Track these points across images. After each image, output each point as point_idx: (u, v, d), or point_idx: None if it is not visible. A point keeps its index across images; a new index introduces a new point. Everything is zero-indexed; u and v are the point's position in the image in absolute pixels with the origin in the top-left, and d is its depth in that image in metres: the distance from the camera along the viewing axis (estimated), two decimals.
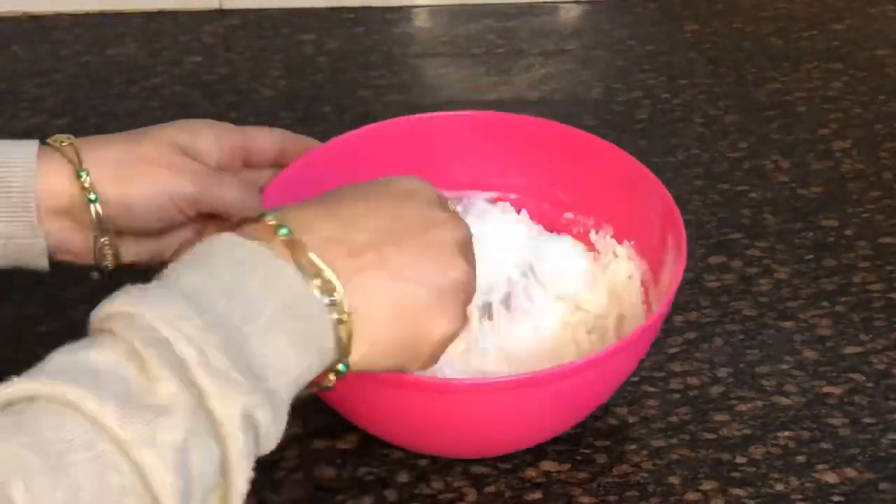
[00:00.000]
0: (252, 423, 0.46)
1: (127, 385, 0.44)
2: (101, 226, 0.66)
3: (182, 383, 0.44)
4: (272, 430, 0.48)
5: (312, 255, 0.52)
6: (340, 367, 0.54)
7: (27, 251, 0.66)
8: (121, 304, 0.46)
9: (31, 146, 0.66)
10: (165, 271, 0.50)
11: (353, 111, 1.04)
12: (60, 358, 0.45)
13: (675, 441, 0.71)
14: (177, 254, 0.65)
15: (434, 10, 1.20)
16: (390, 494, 0.68)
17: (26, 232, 0.65)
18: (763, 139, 0.99)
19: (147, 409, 0.43)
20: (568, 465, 0.69)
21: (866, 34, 1.15)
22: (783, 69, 1.09)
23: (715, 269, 0.85)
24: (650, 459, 0.70)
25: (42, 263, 0.67)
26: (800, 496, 0.68)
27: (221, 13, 1.19)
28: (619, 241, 0.76)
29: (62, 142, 0.66)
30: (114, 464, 0.42)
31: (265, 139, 0.74)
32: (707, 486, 0.68)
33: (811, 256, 0.86)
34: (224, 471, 0.46)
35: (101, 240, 0.67)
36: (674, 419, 0.73)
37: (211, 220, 0.70)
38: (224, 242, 0.51)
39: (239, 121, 1.02)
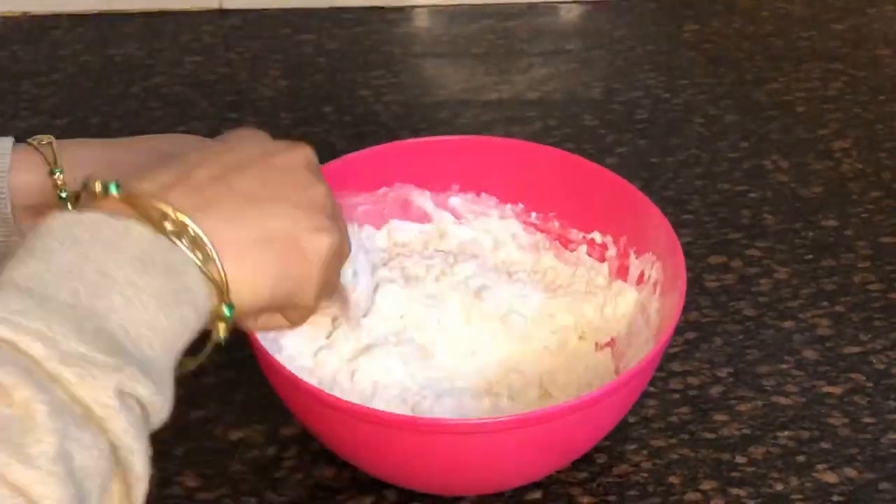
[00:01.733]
0: (130, 400, 0.44)
1: None
2: None
3: (37, 385, 0.41)
4: (158, 401, 0.45)
5: (153, 202, 0.49)
6: (224, 310, 0.51)
7: (4, 249, 0.65)
8: None
9: (7, 142, 0.65)
10: None
11: (353, 111, 1.04)
12: None
13: (674, 441, 0.71)
14: None
15: (434, 10, 1.20)
16: (390, 494, 0.68)
17: (2, 229, 0.65)
18: (763, 139, 0.99)
19: (9, 424, 0.40)
20: (568, 465, 0.69)
21: (866, 34, 1.15)
22: (783, 69, 1.09)
23: (715, 269, 0.85)
24: (650, 459, 0.70)
25: None
26: (800, 496, 0.68)
27: (221, 13, 1.19)
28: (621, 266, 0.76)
29: (41, 141, 0.66)
30: None
31: None
32: (707, 486, 0.68)
33: (811, 256, 0.86)
34: (116, 458, 0.43)
35: None
36: (674, 419, 0.73)
37: None
38: (57, 224, 0.47)
39: (239, 121, 1.03)
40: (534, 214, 0.79)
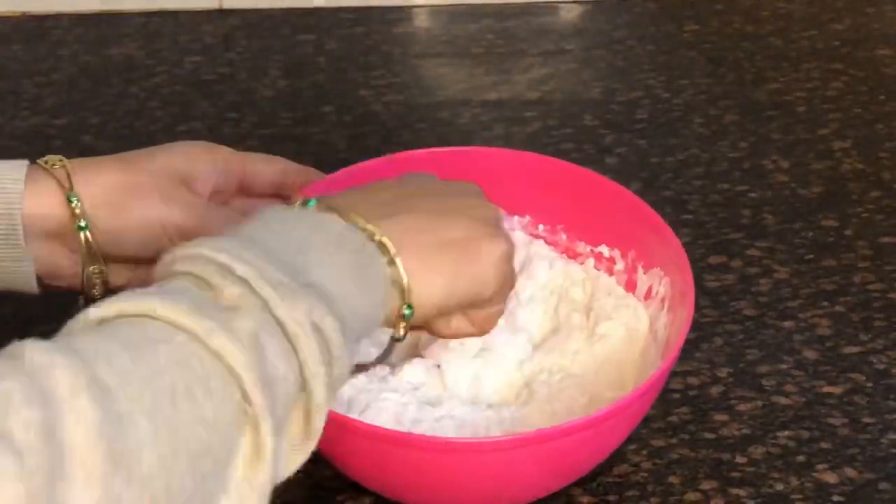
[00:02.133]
0: (320, 330, 0.48)
1: (196, 296, 0.46)
2: (91, 252, 0.66)
3: (247, 290, 0.46)
4: (340, 350, 0.48)
5: (345, 212, 0.55)
6: (405, 310, 0.56)
7: (15, 274, 0.65)
8: (182, 248, 0.49)
9: (21, 167, 0.65)
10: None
11: (353, 111, 1.04)
12: (139, 290, 0.47)
13: (674, 441, 0.71)
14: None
15: (434, 10, 1.20)
16: None
17: (13, 254, 0.64)
18: (763, 139, 0.99)
19: (217, 307, 0.46)
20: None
21: (866, 34, 1.15)
22: (783, 69, 1.09)
23: (715, 269, 0.85)
24: (650, 459, 0.70)
25: (31, 287, 0.66)
26: (799, 496, 0.68)
27: (221, 13, 1.19)
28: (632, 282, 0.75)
29: (53, 164, 0.66)
30: (193, 351, 0.43)
31: (265, 168, 0.73)
32: (707, 485, 0.68)
33: (811, 256, 0.86)
34: (303, 379, 0.47)
35: (90, 267, 0.66)
36: (674, 419, 0.73)
37: None
38: (271, 209, 0.54)
39: (239, 121, 1.03)
40: (541, 227, 0.79)
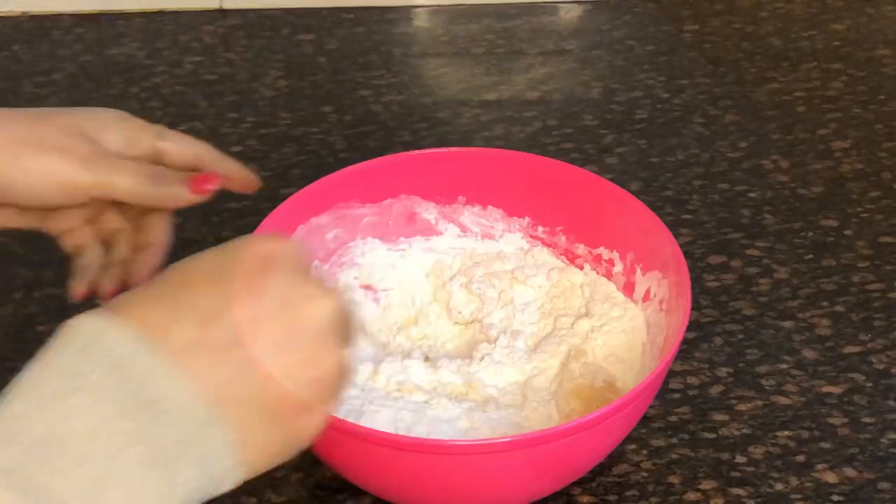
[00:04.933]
0: None
1: None
2: None
3: None
4: None
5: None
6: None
7: None
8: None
9: None
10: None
11: (353, 111, 1.04)
12: None
13: (674, 441, 0.71)
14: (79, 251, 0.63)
15: (434, 10, 1.20)
16: None
17: None
18: (763, 139, 1.00)
19: None
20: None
21: (866, 34, 1.15)
22: (783, 69, 1.09)
23: (715, 268, 0.85)
24: (650, 459, 0.70)
25: None
26: (799, 496, 0.68)
27: (221, 13, 1.19)
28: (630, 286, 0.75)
29: None
30: None
31: (179, 149, 0.68)
32: (707, 485, 0.68)
33: (811, 256, 0.86)
34: None
35: None
36: (673, 419, 0.73)
37: (108, 204, 0.67)
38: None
39: (239, 121, 1.03)
40: (540, 228, 0.79)
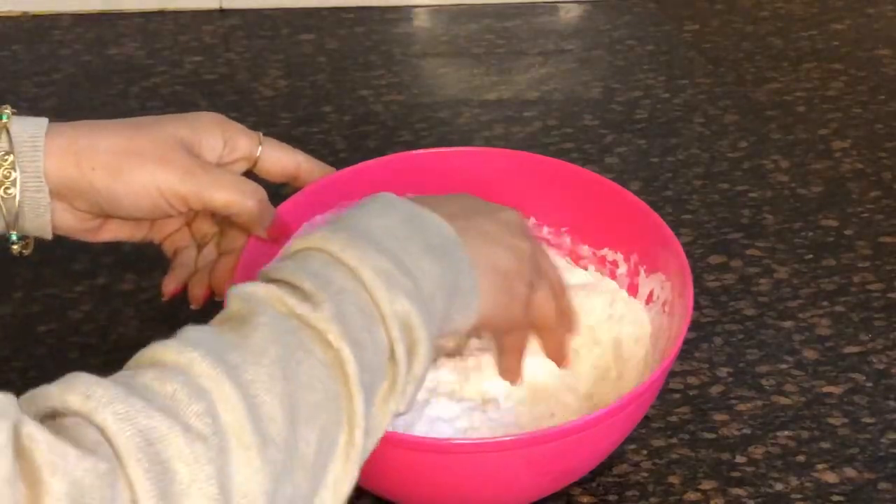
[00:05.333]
0: (410, 328, 0.53)
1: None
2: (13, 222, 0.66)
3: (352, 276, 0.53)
4: (424, 351, 0.53)
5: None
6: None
7: (32, 205, 0.65)
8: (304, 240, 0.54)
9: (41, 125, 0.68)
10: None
11: (353, 111, 1.04)
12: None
13: (674, 441, 0.71)
14: (177, 255, 0.68)
15: (434, 10, 1.20)
16: None
17: (39, 200, 0.65)
18: (763, 139, 0.99)
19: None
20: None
21: (866, 34, 1.15)
22: (783, 69, 1.09)
23: (715, 269, 0.85)
24: (650, 459, 0.70)
25: (47, 233, 0.67)
26: (799, 496, 0.68)
27: (221, 13, 1.19)
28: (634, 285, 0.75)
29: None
30: (287, 325, 0.50)
31: (280, 155, 0.72)
32: (707, 485, 0.68)
33: (811, 256, 0.86)
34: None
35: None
36: (673, 419, 0.73)
37: (203, 213, 0.70)
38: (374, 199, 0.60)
39: (239, 121, 1.02)
40: (546, 229, 0.79)
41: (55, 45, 1.14)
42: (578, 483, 0.68)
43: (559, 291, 0.67)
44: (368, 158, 0.77)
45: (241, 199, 0.66)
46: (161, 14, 1.18)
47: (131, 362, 0.48)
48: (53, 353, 0.78)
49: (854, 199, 0.92)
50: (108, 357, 0.78)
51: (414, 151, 0.79)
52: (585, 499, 0.68)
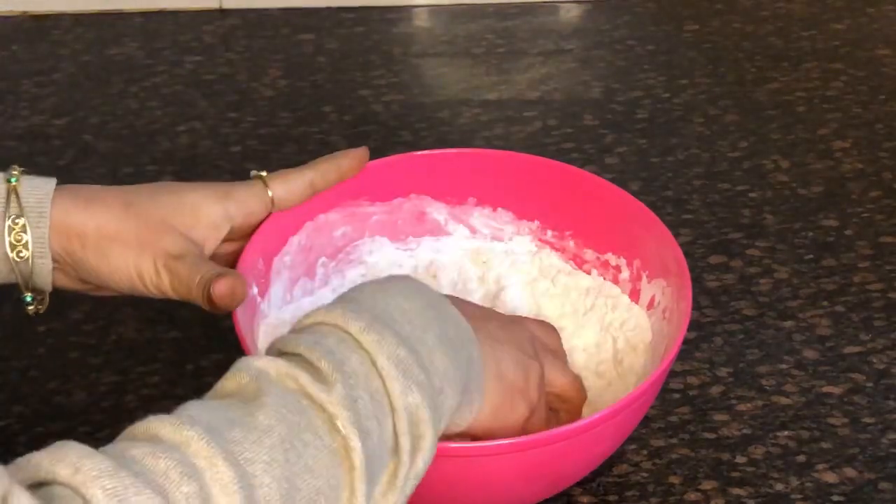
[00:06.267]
0: (418, 422, 0.52)
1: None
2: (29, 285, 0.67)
3: (369, 363, 0.52)
4: (429, 444, 0.52)
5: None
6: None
7: (38, 267, 0.66)
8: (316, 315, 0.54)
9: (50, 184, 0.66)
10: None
11: (353, 111, 1.04)
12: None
13: (674, 441, 0.71)
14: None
15: (434, 10, 1.20)
16: None
17: (40, 246, 0.65)
18: (763, 139, 0.99)
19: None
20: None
21: (866, 34, 1.15)
22: (783, 69, 1.09)
23: (715, 268, 0.85)
24: (650, 459, 0.70)
25: (47, 286, 0.67)
26: (800, 496, 0.68)
27: (221, 13, 1.19)
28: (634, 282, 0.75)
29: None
30: (293, 402, 0.49)
31: (289, 195, 0.71)
32: (707, 485, 0.68)
33: (811, 256, 0.86)
34: (395, 445, 0.51)
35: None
36: (674, 419, 0.73)
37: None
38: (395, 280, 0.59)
39: (239, 121, 1.03)
40: (550, 232, 0.79)
41: (55, 45, 1.14)
42: (578, 483, 0.68)
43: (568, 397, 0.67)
44: (370, 158, 0.77)
45: (192, 295, 0.65)
46: (161, 14, 1.18)
47: (126, 433, 0.47)
48: (53, 353, 0.78)
49: (854, 199, 0.92)
50: (108, 357, 0.78)
51: (424, 152, 0.79)
52: (585, 499, 0.68)
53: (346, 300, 0.55)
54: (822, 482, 0.69)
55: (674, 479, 0.69)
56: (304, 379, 0.49)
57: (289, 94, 1.06)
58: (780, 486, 0.68)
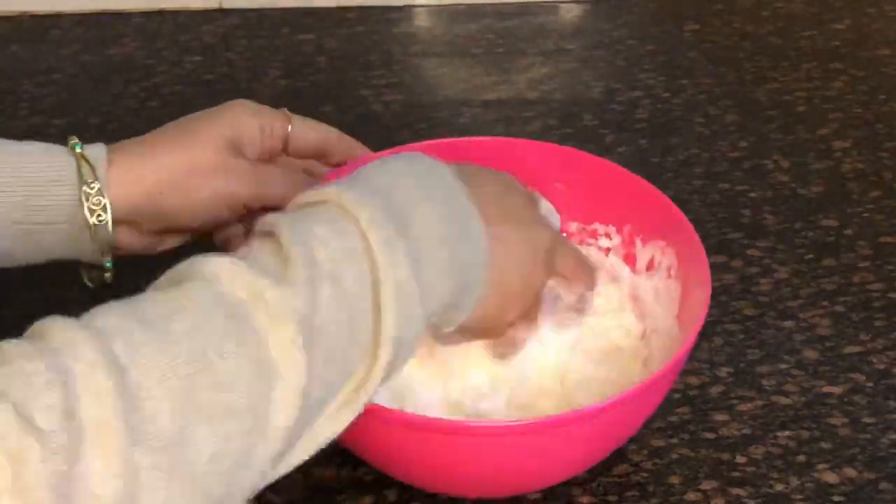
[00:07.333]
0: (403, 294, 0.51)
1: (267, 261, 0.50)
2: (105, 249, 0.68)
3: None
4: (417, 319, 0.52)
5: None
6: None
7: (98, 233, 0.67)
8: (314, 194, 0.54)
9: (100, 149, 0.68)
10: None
11: (353, 111, 1.04)
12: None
13: (674, 441, 0.71)
14: (229, 244, 0.69)
15: (434, 10, 1.20)
16: (390, 494, 0.68)
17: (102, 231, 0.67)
18: (763, 139, 0.99)
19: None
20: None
21: (866, 34, 1.15)
22: (783, 69, 1.09)
23: (715, 269, 0.85)
24: (650, 459, 0.70)
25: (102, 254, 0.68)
26: (800, 496, 0.68)
27: (221, 13, 1.19)
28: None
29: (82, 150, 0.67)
30: (216, 312, 0.46)
31: (309, 133, 0.75)
32: (707, 485, 0.68)
33: (811, 256, 0.86)
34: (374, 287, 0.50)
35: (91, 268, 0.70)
36: (674, 419, 0.73)
37: (259, 213, 0.71)
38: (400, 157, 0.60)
39: None
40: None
41: (55, 45, 1.14)
42: (578, 483, 0.68)
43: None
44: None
45: (294, 188, 0.67)
46: (161, 14, 1.18)
47: (30, 329, 0.44)
48: None
49: (854, 199, 0.92)
50: None
51: (412, 144, 0.79)
52: (585, 499, 0.68)
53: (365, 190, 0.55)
54: (822, 482, 0.69)
55: (674, 479, 0.69)
56: (261, 284, 0.46)
57: (289, 94, 1.06)
58: (780, 487, 0.68)
